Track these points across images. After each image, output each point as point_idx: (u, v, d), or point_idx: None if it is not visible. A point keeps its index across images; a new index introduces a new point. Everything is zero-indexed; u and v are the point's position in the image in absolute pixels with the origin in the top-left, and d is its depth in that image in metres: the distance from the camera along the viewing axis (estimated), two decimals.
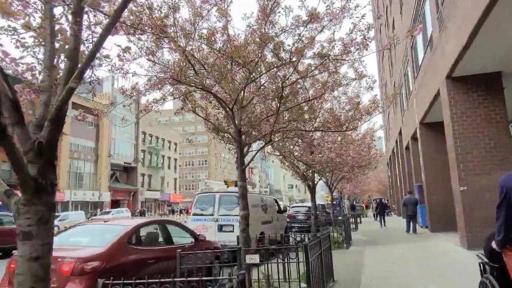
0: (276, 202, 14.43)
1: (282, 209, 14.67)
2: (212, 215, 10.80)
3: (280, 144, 9.17)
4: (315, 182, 13.59)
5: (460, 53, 8.66)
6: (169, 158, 67.48)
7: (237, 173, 6.58)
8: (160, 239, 6.85)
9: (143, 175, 57.80)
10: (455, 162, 9.85)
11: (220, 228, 10.52)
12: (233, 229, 10.38)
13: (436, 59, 10.88)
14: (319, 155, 11.26)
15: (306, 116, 6.82)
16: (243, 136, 6.58)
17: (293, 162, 11.92)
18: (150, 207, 58.43)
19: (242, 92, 5.93)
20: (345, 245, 12.46)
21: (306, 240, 6.33)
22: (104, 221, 6.84)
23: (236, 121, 6.02)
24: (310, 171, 12.67)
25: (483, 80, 9.84)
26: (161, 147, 64.57)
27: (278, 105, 5.99)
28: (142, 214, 47.66)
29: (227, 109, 5.83)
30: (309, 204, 27.37)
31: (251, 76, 5.73)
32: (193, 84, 5.63)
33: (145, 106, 6.07)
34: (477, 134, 9.74)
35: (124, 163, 53.05)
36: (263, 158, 12.84)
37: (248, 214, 6.31)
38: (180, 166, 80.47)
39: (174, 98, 6.28)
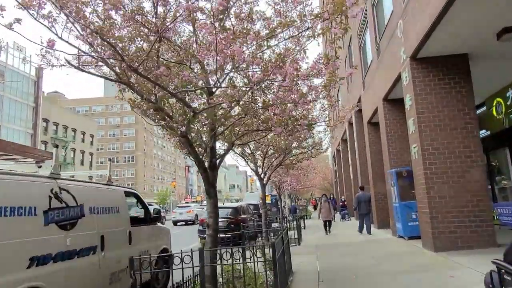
0: (139, 200, 6.78)
1: (151, 216, 6.97)
2: None
3: None
4: (216, 157, 6.12)
5: None
6: (82, 152, 56.65)
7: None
8: None
9: None
10: None
11: None
12: None
13: None
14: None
15: None
16: None
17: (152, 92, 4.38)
18: None
19: None
20: None
21: None
22: None
23: None
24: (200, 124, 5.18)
25: None
26: (71, 138, 53.69)
27: None
28: None
29: None
30: (236, 204, 19.18)
31: None
32: None
33: None
34: None
35: None
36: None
37: None
38: (101, 162, 69.41)
39: None
